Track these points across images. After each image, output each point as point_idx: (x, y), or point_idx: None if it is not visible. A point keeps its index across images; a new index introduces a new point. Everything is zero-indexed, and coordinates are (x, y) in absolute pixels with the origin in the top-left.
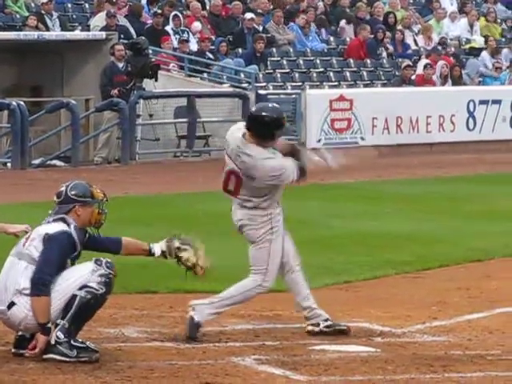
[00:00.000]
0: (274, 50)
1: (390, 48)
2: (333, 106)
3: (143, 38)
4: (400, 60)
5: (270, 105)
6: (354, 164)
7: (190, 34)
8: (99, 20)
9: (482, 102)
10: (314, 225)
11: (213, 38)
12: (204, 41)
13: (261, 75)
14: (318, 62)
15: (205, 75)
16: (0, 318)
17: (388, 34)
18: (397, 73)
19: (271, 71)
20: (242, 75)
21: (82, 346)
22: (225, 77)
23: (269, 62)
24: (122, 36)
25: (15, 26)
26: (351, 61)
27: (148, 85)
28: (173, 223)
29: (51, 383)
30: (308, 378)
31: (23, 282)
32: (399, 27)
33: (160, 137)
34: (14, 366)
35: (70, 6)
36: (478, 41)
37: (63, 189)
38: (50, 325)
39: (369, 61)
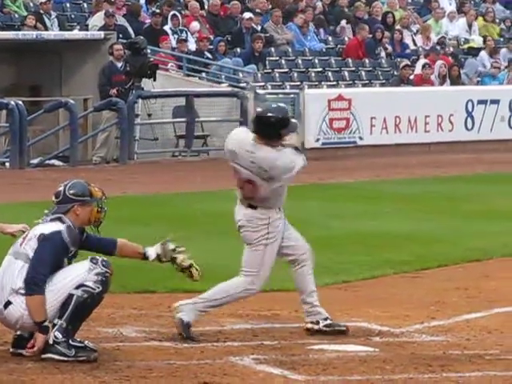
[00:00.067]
0: (273, 49)
1: (389, 48)
2: (331, 105)
3: (142, 37)
4: (398, 60)
5: (274, 105)
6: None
7: (189, 33)
8: (98, 20)
9: (480, 102)
10: (314, 224)
11: (211, 37)
12: (202, 40)
13: (259, 75)
14: (317, 61)
15: (203, 75)
16: None
17: (386, 33)
18: (395, 72)
19: (270, 71)
20: (241, 75)
21: (80, 345)
22: (223, 76)
23: (267, 62)
24: (120, 36)
25: (14, 26)
26: (350, 60)
27: (146, 84)
28: (171, 223)
29: (50, 383)
30: (306, 377)
31: (19, 282)
32: (398, 27)
33: (158, 136)
34: (13, 365)
35: (68, 5)
36: (477, 40)
37: (61, 188)
38: (47, 323)
39: (367, 60)
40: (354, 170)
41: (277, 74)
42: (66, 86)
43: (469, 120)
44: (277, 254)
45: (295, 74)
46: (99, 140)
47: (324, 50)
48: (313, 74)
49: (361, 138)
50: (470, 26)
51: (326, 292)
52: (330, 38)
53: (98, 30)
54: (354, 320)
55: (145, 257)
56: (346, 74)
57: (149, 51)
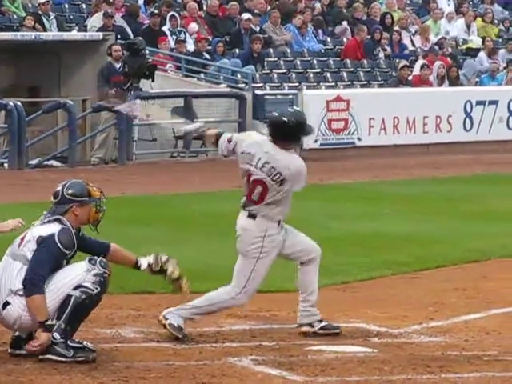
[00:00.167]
0: (271, 50)
1: (387, 49)
2: (330, 106)
3: (140, 38)
4: (397, 60)
5: (289, 110)
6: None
7: (187, 34)
8: (96, 20)
9: (478, 103)
10: (313, 225)
11: (210, 38)
12: (201, 41)
13: (258, 75)
14: (315, 62)
15: (202, 76)
16: None
17: (385, 34)
18: (394, 73)
19: (268, 72)
20: (239, 76)
21: (78, 346)
22: (222, 77)
23: (266, 63)
24: (118, 36)
25: (12, 27)
26: (348, 61)
27: (145, 85)
28: (170, 223)
29: (48, 383)
30: (305, 378)
31: (18, 283)
32: (396, 28)
33: (157, 137)
34: (11, 366)
35: (67, 6)
36: (475, 41)
37: (59, 189)
38: (50, 321)
39: (366, 61)
40: (353, 171)
41: (275, 75)
42: (64, 86)
43: (467, 121)
44: (287, 259)
45: (294, 75)
46: (98, 141)
47: (322, 50)
48: (311, 75)
49: (359, 139)
50: (468, 26)
51: (325, 293)
52: (328, 39)
53: (97, 30)
54: (352, 321)
55: (136, 266)
56: (345, 74)
57: (147, 52)
